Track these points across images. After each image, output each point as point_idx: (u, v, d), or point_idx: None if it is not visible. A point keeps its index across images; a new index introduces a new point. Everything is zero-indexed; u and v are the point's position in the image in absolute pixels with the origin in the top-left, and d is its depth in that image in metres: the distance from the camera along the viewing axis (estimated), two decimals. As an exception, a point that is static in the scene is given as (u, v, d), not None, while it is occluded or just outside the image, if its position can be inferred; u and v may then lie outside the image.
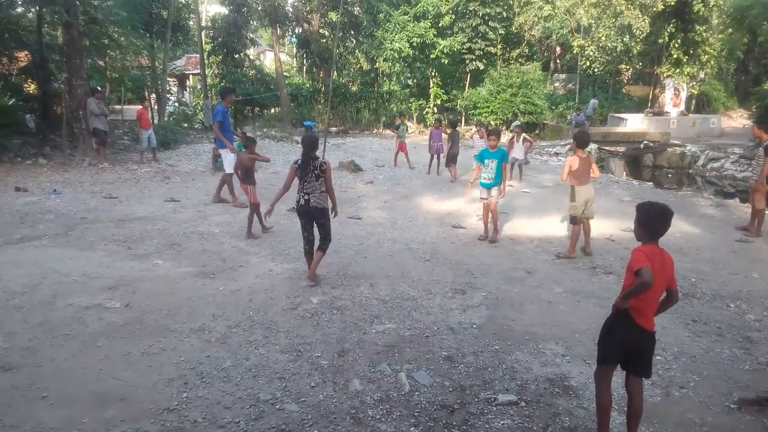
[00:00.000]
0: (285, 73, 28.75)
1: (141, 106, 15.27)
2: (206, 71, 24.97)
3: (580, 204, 6.99)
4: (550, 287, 6.04)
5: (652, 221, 3.12)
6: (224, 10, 26.78)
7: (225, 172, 9.70)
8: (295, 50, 34.03)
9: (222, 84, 25.30)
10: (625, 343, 3.08)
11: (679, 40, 23.51)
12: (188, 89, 31.96)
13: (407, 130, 14.65)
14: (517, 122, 18.18)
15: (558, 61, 33.41)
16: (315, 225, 5.83)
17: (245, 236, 7.69)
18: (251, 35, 26.88)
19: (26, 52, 15.44)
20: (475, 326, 4.97)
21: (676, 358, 4.43)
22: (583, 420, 3.56)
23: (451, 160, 12.85)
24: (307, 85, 28.53)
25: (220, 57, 25.75)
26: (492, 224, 7.91)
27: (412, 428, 3.44)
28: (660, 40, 24.20)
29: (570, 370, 4.18)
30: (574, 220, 7.13)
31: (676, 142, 20.27)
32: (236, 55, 25.69)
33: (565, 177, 7.12)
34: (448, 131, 13.33)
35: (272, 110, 28.22)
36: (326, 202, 5.74)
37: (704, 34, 23.45)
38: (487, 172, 7.61)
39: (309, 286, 5.78)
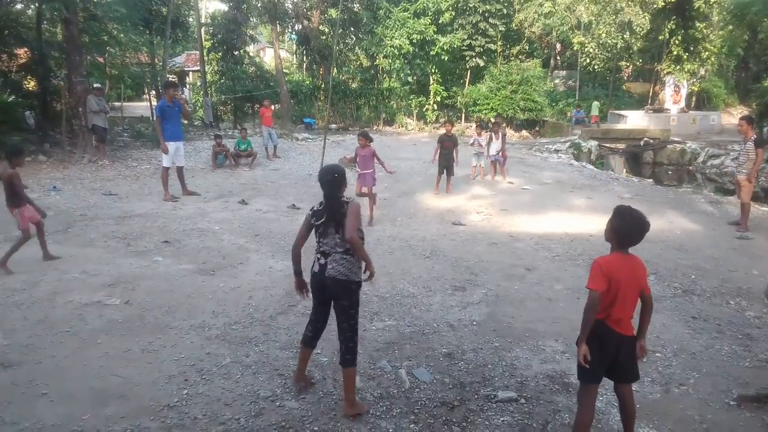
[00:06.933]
0: (285, 70, 28.69)
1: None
2: (206, 68, 24.96)
3: None
4: (549, 284, 6.04)
5: (629, 231, 2.99)
6: (224, 7, 26.73)
7: (163, 166, 9.87)
8: (294, 47, 33.98)
9: (222, 81, 25.32)
10: (606, 355, 3.00)
11: (679, 37, 23.48)
12: (188, 86, 31.91)
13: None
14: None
15: (558, 57, 33.38)
16: (332, 308, 3.63)
17: None
18: (251, 32, 26.84)
19: (26, 49, 15.40)
20: (474, 323, 4.97)
21: (675, 355, 4.43)
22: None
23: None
24: (307, 82, 28.48)
25: (220, 54, 25.72)
26: None
27: (412, 425, 3.44)
28: (660, 37, 24.18)
29: (570, 366, 4.17)
30: None
31: (676, 139, 20.26)
32: (236, 52, 25.65)
33: None
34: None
35: (272, 107, 28.18)
36: (355, 271, 3.54)
37: (705, 31, 23.43)
38: None
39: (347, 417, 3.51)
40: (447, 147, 10.82)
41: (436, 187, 11.01)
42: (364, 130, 9.46)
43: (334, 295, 3.53)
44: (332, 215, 3.47)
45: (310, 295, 3.68)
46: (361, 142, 8.69)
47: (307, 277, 3.67)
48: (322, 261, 3.51)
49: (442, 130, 11.57)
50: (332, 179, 3.52)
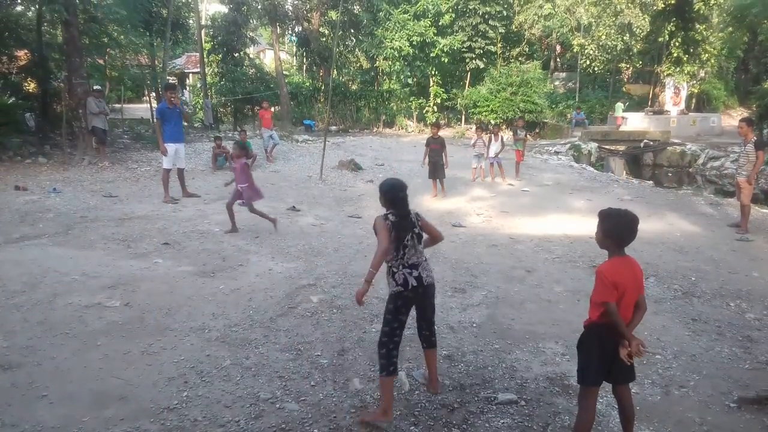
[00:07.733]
0: (285, 72, 28.74)
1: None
2: (206, 70, 24.97)
3: None
4: (550, 286, 6.04)
5: (620, 232, 2.98)
6: (224, 9, 26.77)
7: (163, 168, 9.92)
8: (294, 49, 34.06)
9: (222, 83, 25.34)
10: (606, 356, 2.99)
11: (679, 39, 23.51)
12: (188, 88, 31.94)
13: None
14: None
15: (558, 59, 33.43)
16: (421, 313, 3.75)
17: None
18: (251, 34, 26.88)
19: (26, 51, 15.43)
20: (475, 325, 4.96)
21: (675, 357, 4.43)
22: (582, 419, 3.55)
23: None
24: (307, 84, 28.52)
25: (220, 55, 25.74)
26: None
27: (412, 427, 3.43)
28: (660, 39, 24.22)
29: (570, 369, 4.17)
30: None
31: (676, 140, 20.27)
32: (236, 54, 25.69)
33: None
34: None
35: (272, 109, 28.26)
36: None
37: (704, 33, 23.46)
38: None
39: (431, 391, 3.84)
40: (435, 149, 10.86)
41: (433, 192, 11.03)
42: (238, 141, 8.25)
43: (430, 299, 3.68)
44: (414, 231, 3.56)
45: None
46: (234, 153, 7.65)
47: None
48: (416, 273, 3.52)
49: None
50: (405, 195, 3.66)
